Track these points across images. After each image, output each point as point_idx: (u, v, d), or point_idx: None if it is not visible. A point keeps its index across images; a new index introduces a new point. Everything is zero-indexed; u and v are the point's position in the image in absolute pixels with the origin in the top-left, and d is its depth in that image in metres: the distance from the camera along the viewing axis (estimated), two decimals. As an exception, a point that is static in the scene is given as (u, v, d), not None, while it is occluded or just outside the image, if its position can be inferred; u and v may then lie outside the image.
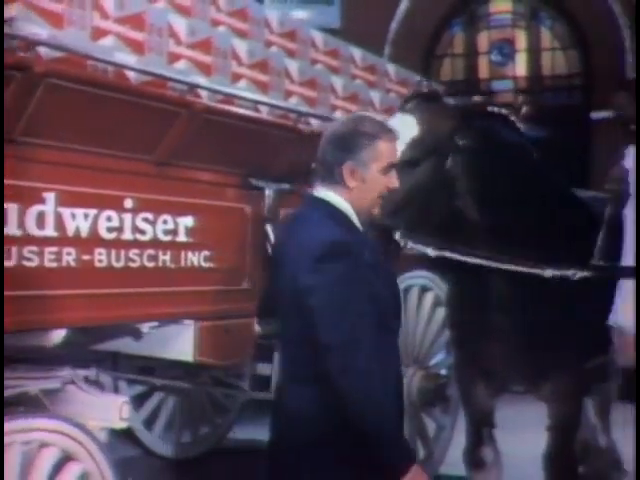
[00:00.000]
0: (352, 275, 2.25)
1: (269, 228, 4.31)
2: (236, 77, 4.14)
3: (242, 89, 4.13)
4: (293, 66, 4.66)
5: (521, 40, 12.43)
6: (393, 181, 2.41)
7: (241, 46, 4.21)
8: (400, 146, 3.13)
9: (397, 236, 3.23)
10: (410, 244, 3.30)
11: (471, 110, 3.43)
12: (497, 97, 12.51)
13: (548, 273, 3.17)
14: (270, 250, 4.09)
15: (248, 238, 4.07)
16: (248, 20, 4.50)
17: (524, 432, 4.49)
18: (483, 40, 12.64)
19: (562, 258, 3.23)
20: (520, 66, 12.47)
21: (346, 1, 12.40)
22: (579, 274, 3.07)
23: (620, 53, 11.04)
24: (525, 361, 3.47)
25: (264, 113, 4.16)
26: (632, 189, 2.75)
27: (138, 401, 5.68)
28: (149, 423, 5.78)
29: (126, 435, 5.47)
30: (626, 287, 2.72)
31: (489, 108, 3.56)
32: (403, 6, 12.42)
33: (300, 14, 12.25)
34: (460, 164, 3.22)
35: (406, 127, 3.19)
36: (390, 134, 2.42)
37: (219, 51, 3.99)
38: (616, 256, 2.84)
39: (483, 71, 12.72)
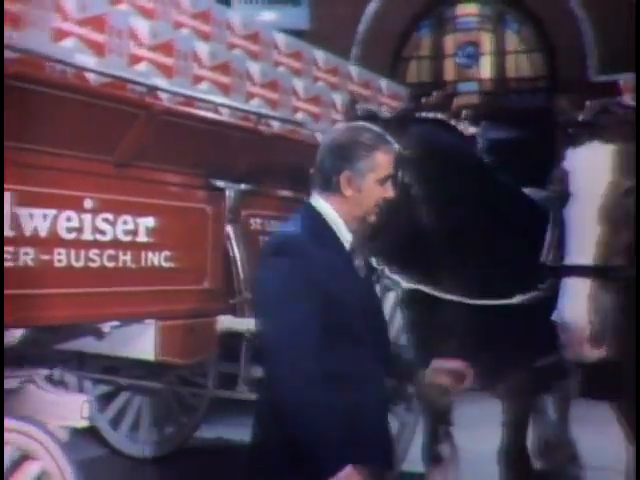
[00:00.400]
0: (298, 273, 2.26)
1: (230, 228, 4.38)
2: (197, 79, 4.18)
3: (203, 91, 4.18)
4: (255, 68, 4.72)
5: (487, 43, 12.59)
6: (389, 191, 2.44)
7: (203, 48, 4.26)
8: None
9: (375, 263, 3.30)
10: (387, 272, 3.39)
11: (403, 118, 3.48)
12: (463, 98, 12.66)
13: (516, 300, 3.29)
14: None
15: (209, 238, 4.11)
16: (210, 22, 4.56)
17: (481, 428, 4.58)
18: (449, 42, 12.78)
19: (515, 259, 3.32)
20: (485, 68, 12.64)
21: (314, 2, 12.46)
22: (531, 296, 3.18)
23: (583, 57, 11.23)
24: (480, 360, 3.54)
25: (225, 115, 4.20)
26: (574, 189, 2.83)
27: (104, 401, 5.70)
28: (115, 423, 5.80)
29: (92, 435, 5.50)
30: (573, 285, 2.78)
31: (423, 114, 3.62)
32: (371, 8, 12.53)
33: (268, 15, 12.33)
34: (409, 173, 3.29)
35: None
36: (388, 146, 2.47)
37: (180, 53, 4.03)
38: (561, 255, 2.91)
39: (449, 73, 12.87)
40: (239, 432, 5.72)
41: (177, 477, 5.65)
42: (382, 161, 2.41)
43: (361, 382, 2.38)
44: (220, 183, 4.18)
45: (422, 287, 3.52)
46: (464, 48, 12.70)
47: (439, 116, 3.63)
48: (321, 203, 2.42)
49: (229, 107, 4.19)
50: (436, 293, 3.48)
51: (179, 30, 4.32)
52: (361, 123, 2.62)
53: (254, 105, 4.60)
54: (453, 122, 3.61)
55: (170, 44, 4.02)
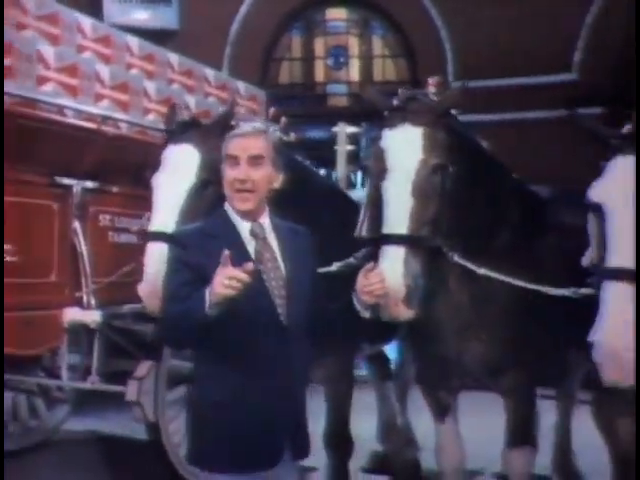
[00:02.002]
0: (180, 259, 2.55)
1: (78, 224, 4.55)
2: (43, 80, 4.33)
3: (49, 94, 4.33)
4: (105, 71, 4.90)
5: (355, 47, 13.08)
6: (237, 172, 2.54)
7: (48, 51, 4.40)
8: (190, 171, 3.56)
9: None
10: None
11: (221, 124, 3.67)
12: (332, 100, 13.12)
13: (334, 267, 3.56)
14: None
15: (55, 233, 4.28)
16: (59, 25, 4.67)
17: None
18: (320, 45, 13.18)
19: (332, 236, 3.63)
20: (354, 71, 13.11)
21: (185, 2, 12.51)
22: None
23: (443, 63, 11.84)
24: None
25: (70, 117, 4.37)
26: (389, 166, 3.03)
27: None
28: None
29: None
30: (390, 252, 2.94)
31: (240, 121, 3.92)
32: (243, 9, 12.73)
33: (140, 15, 12.37)
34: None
35: (186, 155, 3.61)
36: (234, 132, 2.63)
37: (23, 56, 4.17)
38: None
39: (320, 75, 13.27)
40: (109, 425, 5.94)
41: (41, 469, 5.68)
42: (228, 144, 2.59)
43: (247, 357, 2.51)
44: (66, 181, 4.35)
45: None
46: (333, 51, 13.12)
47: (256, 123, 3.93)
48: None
49: (74, 109, 4.35)
50: None
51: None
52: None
53: (103, 107, 4.78)
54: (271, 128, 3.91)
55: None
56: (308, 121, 11.65)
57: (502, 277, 3.23)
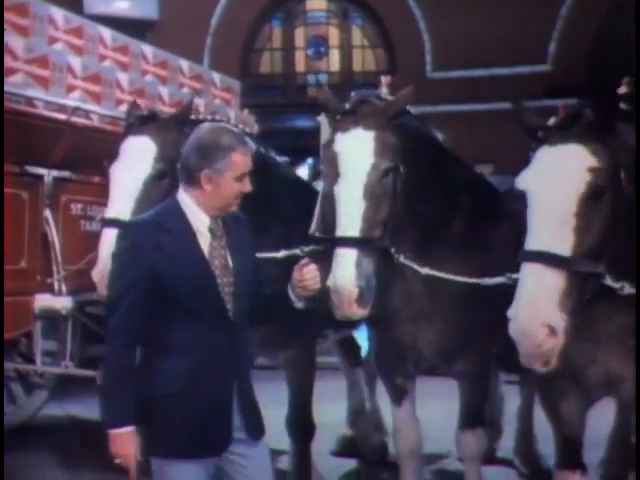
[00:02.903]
0: (127, 256, 2.60)
1: (49, 213, 4.66)
2: (11, 72, 4.41)
3: (19, 85, 4.42)
4: (76, 62, 4.99)
5: (335, 37, 13.20)
6: (246, 186, 2.68)
7: (18, 43, 4.49)
8: (147, 162, 3.68)
9: None
10: None
11: (180, 119, 3.85)
12: (312, 90, 13.21)
13: (281, 254, 3.70)
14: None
15: (26, 222, 4.39)
16: (29, 16, 4.75)
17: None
18: (300, 35, 13.29)
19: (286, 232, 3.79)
20: (334, 61, 13.23)
21: (165, -8, 12.60)
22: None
23: (421, 54, 11.98)
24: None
25: (40, 108, 4.47)
26: (342, 170, 3.12)
27: None
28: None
29: None
30: (342, 254, 3.03)
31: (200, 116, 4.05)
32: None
33: (119, 4, 12.42)
34: None
35: (144, 146, 3.74)
36: (244, 147, 2.68)
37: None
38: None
39: (300, 65, 13.38)
40: (87, 409, 6.01)
41: (18, 453, 5.73)
42: (238, 161, 2.63)
43: (192, 350, 2.59)
44: (36, 170, 4.45)
45: None
46: (314, 42, 13.23)
47: (217, 117, 4.07)
48: (182, 195, 2.67)
49: (44, 101, 4.45)
50: None
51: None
52: (222, 125, 2.85)
53: (75, 98, 4.87)
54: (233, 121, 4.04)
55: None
56: (288, 110, 11.77)
57: (443, 275, 3.38)
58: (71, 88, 4.92)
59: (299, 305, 2.79)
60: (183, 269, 2.58)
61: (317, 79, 13.29)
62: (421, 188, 3.33)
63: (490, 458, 4.71)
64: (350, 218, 3.12)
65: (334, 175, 3.20)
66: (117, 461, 2.60)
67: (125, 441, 2.57)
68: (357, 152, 3.17)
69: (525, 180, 2.74)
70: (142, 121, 3.84)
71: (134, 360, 2.60)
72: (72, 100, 4.80)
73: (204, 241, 2.64)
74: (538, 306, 2.58)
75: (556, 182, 2.64)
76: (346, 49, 13.12)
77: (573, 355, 2.97)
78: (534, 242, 2.64)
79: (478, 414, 3.81)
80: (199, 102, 6.34)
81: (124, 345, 2.57)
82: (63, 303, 4.54)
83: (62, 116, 4.52)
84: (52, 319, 4.87)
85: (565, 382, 3.16)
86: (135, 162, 3.73)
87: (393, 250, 3.31)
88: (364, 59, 13.10)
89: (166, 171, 3.68)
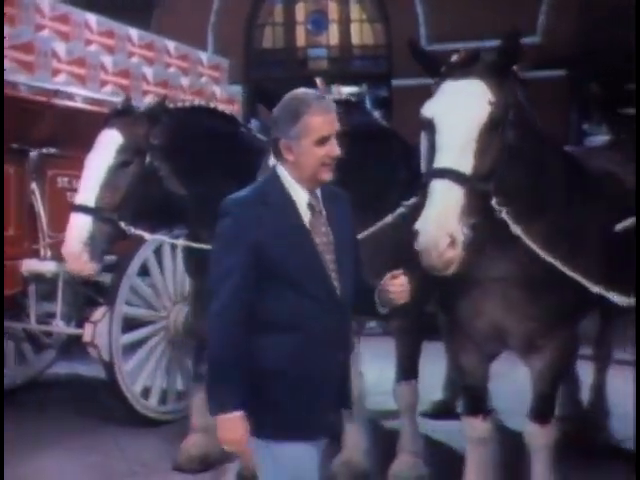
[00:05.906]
0: (230, 232, 2.48)
1: (35, 186, 5.17)
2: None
3: (5, 70, 4.86)
4: (61, 47, 5.42)
5: (334, 12, 13.49)
6: (333, 150, 2.49)
7: (5, 32, 4.92)
8: (111, 153, 4.11)
9: (123, 225, 4.12)
10: (132, 230, 4.18)
11: (155, 111, 4.28)
12: (313, 64, 13.55)
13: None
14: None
15: (12, 194, 4.90)
16: (15, 5, 5.15)
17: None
18: (300, 10, 13.59)
19: None
20: (333, 35, 13.56)
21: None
22: None
23: (417, 27, 12.24)
24: None
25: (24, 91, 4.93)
26: None
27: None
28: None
29: None
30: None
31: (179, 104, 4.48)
32: (226, -25, 13.10)
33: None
34: (158, 156, 4.19)
35: (111, 139, 4.19)
36: (316, 108, 2.46)
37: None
38: None
39: (301, 39, 13.72)
40: (91, 369, 6.44)
41: (23, 407, 5.90)
42: (312, 123, 2.45)
43: (302, 328, 2.50)
44: (22, 147, 4.93)
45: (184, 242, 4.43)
46: (313, 16, 13.54)
47: (196, 102, 4.53)
48: (280, 168, 2.56)
49: (27, 85, 4.91)
50: (196, 245, 4.27)
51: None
52: (297, 90, 2.59)
53: (59, 81, 5.33)
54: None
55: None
56: (290, 84, 12.10)
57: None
58: (56, 72, 5.36)
59: (382, 311, 2.68)
60: (287, 241, 2.49)
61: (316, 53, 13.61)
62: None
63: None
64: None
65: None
66: (225, 448, 2.52)
67: (236, 426, 2.45)
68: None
69: (431, 109, 3.02)
70: (116, 115, 4.29)
71: (243, 341, 2.46)
72: (57, 84, 5.25)
73: (305, 216, 2.55)
74: (444, 219, 2.78)
75: (460, 111, 2.92)
76: (345, 23, 13.43)
77: (464, 307, 3.39)
78: (441, 161, 2.89)
79: (411, 368, 4.15)
80: (183, 81, 6.78)
81: (232, 323, 2.45)
82: (48, 267, 5.05)
83: (43, 99, 4.98)
84: (52, 283, 5.36)
85: (464, 336, 3.49)
86: (101, 153, 4.19)
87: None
88: (362, 33, 13.41)
89: (129, 161, 4.16)
